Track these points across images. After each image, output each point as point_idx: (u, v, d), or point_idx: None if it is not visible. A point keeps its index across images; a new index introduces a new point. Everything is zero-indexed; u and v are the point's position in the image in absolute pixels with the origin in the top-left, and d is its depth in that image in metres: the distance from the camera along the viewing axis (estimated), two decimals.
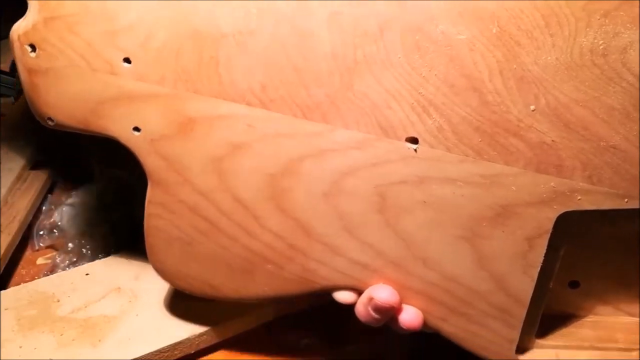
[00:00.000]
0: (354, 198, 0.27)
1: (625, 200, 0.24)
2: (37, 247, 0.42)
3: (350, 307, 0.29)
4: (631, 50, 0.22)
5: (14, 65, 0.81)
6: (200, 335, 0.32)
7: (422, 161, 0.26)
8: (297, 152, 0.27)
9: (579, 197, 0.25)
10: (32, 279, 0.38)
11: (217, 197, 0.28)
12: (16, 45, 0.28)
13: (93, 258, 0.40)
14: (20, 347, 0.31)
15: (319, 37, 0.25)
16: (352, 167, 0.26)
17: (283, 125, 0.26)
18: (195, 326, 0.32)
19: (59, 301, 0.34)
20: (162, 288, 0.35)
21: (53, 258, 0.41)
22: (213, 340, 0.34)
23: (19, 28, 0.28)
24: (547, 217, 0.25)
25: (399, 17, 0.24)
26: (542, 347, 0.30)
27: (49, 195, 0.47)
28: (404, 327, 0.28)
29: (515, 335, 0.28)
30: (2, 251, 0.38)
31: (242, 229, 0.28)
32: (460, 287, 0.27)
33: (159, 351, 0.31)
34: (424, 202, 0.26)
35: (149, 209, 0.29)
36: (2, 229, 0.40)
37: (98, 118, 0.28)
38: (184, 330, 0.32)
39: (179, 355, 0.32)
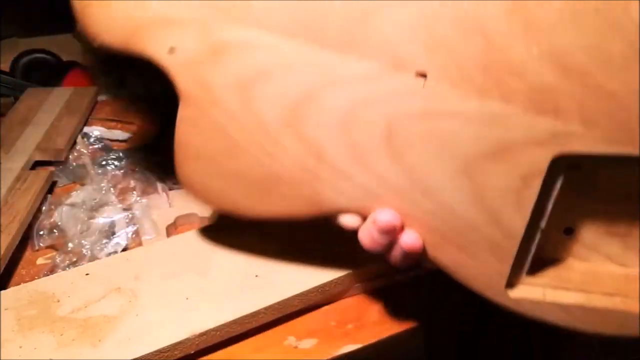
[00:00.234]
0: (365, 128, 0.29)
1: (619, 146, 0.25)
2: (37, 247, 0.42)
3: (354, 233, 0.30)
4: None
5: (13, 65, 0.81)
6: (200, 335, 0.32)
7: (429, 96, 0.27)
8: (315, 81, 0.29)
9: (573, 141, 0.26)
10: (32, 279, 0.38)
11: (241, 119, 0.30)
12: None
13: (93, 258, 0.40)
14: (20, 347, 0.31)
15: None
16: (364, 98, 0.28)
17: (304, 55, 0.29)
18: (195, 326, 0.32)
19: (59, 301, 0.34)
20: (162, 288, 0.35)
21: (53, 258, 0.41)
22: (213, 340, 0.34)
23: None
24: (542, 158, 0.26)
25: None
26: (530, 284, 0.31)
27: (49, 195, 0.47)
28: (404, 249, 0.29)
29: (506, 269, 0.29)
30: (2, 251, 0.38)
31: (262, 150, 0.31)
32: (457, 219, 0.29)
33: (159, 351, 0.31)
34: (428, 135, 0.28)
35: (179, 126, 0.32)
36: (2, 229, 0.40)
37: (137, 40, 0.31)
38: (184, 330, 0.32)
39: (179, 355, 0.32)
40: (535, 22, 0.25)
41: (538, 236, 0.30)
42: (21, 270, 0.41)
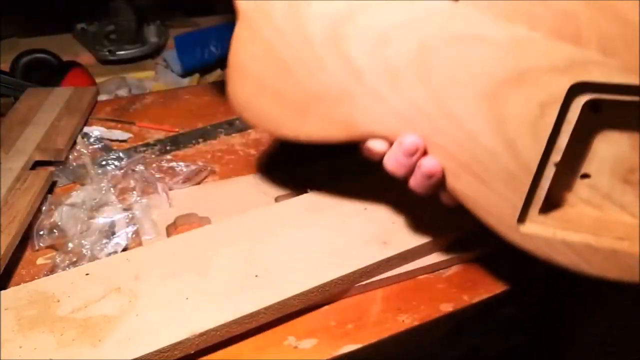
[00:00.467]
0: (399, 50, 0.31)
1: (636, 77, 0.26)
2: (37, 247, 0.42)
3: (379, 160, 0.34)
4: None
5: (13, 65, 0.81)
6: (200, 335, 0.32)
7: (459, 20, 0.29)
8: (355, 2, 0.31)
9: (591, 69, 0.27)
10: (32, 279, 0.38)
11: (291, 39, 0.33)
12: None
13: (93, 258, 0.40)
14: (20, 347, 0.31)
15: None
16: (400, 20, 0.30)
17: None
18: (195, 326, 0.32)
19: (59, 301, 0.34)
20: (162, 288, 0.35)
21: (53, 258, 0.41)
22: (213, 340, 0.34)
23: None
24: (561, 85, 0.28)
25: None
26: (542, 224, 0.32)
27: (49, 195, 0.47)
28: (424, 172, 0.32)
29: (519, 202, 0.31)
30: (2, 251, 0.38)
31: (306, 70, 0.33)
32: (476, 146, 0.31)
33: (159, 351, 0.31)
34: (455, 59, 0.30)
35: (234, 44, 0.35)
36: (2, 229, 0.40)
37: None
38: (184, 330, 0.32)
39: (179, 355, 0.32)
40: None
41: (552, 171, 0.31)
42: (21, 270, 0.41)
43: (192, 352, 0.33)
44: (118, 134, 0.58)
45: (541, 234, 0.32)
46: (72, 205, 0.45)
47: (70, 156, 0.53)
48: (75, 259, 0.40)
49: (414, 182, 0.33)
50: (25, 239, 0.42)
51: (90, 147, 0.55)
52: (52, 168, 0.51)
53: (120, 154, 0.53)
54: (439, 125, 0.31)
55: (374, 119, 0.33)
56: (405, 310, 0.38)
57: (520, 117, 0.29)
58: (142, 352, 0.31)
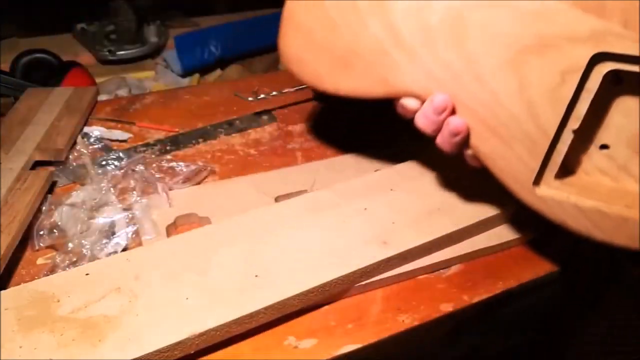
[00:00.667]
0: (437, 14, 0.33)
1: None
2: (37, 247, 0.42)
3: (411, 117, 0.37)
4: None
5: (13, 65, 0.81)
6: (200, 335, 0.32)
7: None
8: None
9: (613, 40, 0.28)
10: (32, 279, 0.38)
11: None
12: None
13: (93, 258, 0.40)
14: (20, 347, 0.31)
15: None
16: None
17: None
18: (195, 326, 0.32)
19: (59, 301, 0.34)
20: (162, 288, 0.35)
21: (53, 258, 0.41)
22: (213, 340, 0.34)
23: None
24: (582, 55, 0.29)
25: None
26: (557, 188, 0.34)
27: (49, 195, 0.47)
28: (451, 130, 0.34)
29: (536, 165, 0.33)
30: (2, 251, 0.38)
31: (351, 29, 0.36)
32: (500, 109, 0.33)
33: (159, 351, 0.31)
34: (486, 24, 0.31)
35: (288, 1, 0.38)
36: (2, 229, 0.40)
37: None
38: (184, 330, 0.32)
39: (178, 355, 0.33)
40: None
41: (570, 138, 0.32)
42: (21, 270, 0.41)
43: (192, 352, 0.33)
44: (118, 134, 0.58)
45: (555, 197, 0.33)
46: (72, 205, 0.45)
47: (70, 156, 0.53)
48: (75, 259, 0.40)
49: (441, 140, 0.35)
50: (25, 239, 0.42)
51: (90, 147, 0.55)
52: (52, 168, 0.51)
53: (120, 154, 0.53)
54: (468, 87, 0.33)
55: (409, 78, 0.35)
56: (405, 310, 0.38)
57: (542, 83, 0.31)
58: (142, 352, 0.31)
